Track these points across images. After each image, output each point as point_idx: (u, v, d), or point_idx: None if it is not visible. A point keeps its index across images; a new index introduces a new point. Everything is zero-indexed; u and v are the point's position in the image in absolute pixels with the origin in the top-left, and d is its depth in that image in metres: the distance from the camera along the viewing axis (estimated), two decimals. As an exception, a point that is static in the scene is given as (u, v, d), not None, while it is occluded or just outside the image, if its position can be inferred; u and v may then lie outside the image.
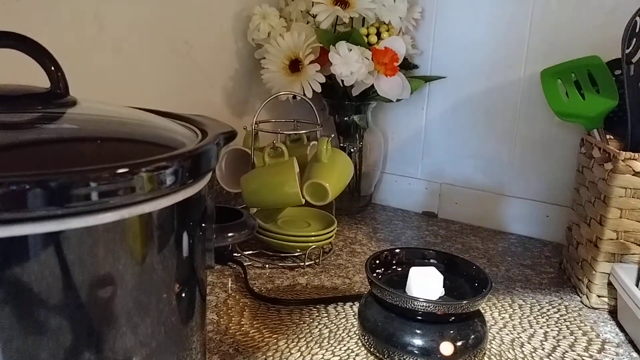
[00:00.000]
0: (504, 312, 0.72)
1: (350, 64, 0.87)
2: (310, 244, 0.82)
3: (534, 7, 0.93)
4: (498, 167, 1.02)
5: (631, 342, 0.66)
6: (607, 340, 0.66)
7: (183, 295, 0.38)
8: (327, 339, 0.63)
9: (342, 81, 0.90)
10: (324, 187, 0.78)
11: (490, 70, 0.99)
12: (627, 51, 0.72)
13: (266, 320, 0.67)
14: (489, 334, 0.65)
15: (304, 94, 0.90)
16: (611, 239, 0.70)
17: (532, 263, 0.88)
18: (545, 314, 0.71)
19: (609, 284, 0.71)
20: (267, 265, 0.81)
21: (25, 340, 0.29)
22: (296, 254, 0.84)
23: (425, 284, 0.60)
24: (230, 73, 0.98)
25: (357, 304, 0.68)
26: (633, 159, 0.68)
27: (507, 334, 0.66)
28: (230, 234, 0.40)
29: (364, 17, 0.95)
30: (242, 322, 0.66)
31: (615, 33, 0.74)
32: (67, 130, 0.38)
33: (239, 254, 0.84)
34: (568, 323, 0.69)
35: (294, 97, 0.93)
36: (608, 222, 0.70)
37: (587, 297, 0.74)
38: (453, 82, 1.03)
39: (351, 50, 0.87)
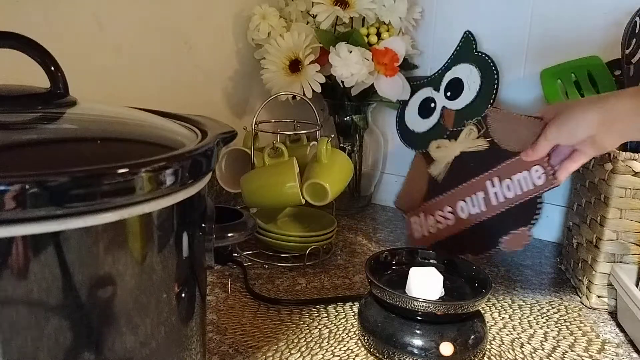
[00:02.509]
0: (504, 312, 0.72)
1: (350, 66, 0.87)
2: (310, 244, 0.82)
3: (534, 7, 0.92)
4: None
5: (631, 342, 0.66)
6: (607, 341, 0.66)
7: (183, 295, 0.38)
8: (327, 339, 0.63)
9: (342, 82, 0.90)
10: (324, 187, 0.78)
11: (490, 71, 0.98)
12: (627, 51, 0.72)
13: (266, 320, 0.67)
14: (489, 334, 0.65)
15: (304, 94, 0.90)
16: (611, 240, 0.70)
17: (532, 263, 0.88)
18: (545, 315, 0.71)
19: (609, 284, 0.71)
20: (266, 266, 0.81)
21: (26, 340, 0.29)
22: (296, 254, 0.84)
23: (425, 284, 0.60)
24: (230, 73, 0.98)
25: (357, 304, 0.68)
26: (633, 160, 0.68)
27: (507, 334, 0.66)
28: (230, 234, 0.41)
29: (364, 17, 0.95)
30: (242, 322, 0.66)
31: (615, 33, 0.74)
32: (67, 130, 0.38)
33: (239, 254, 0.84)
34: (568, 323, 0.69)
35: (294, 97, 0.92)
36: (608, 223, 0.70)
37: (587, 298, 0.74)
38: (453, 82, 1.03)
39: (351, 52, 0.87)
